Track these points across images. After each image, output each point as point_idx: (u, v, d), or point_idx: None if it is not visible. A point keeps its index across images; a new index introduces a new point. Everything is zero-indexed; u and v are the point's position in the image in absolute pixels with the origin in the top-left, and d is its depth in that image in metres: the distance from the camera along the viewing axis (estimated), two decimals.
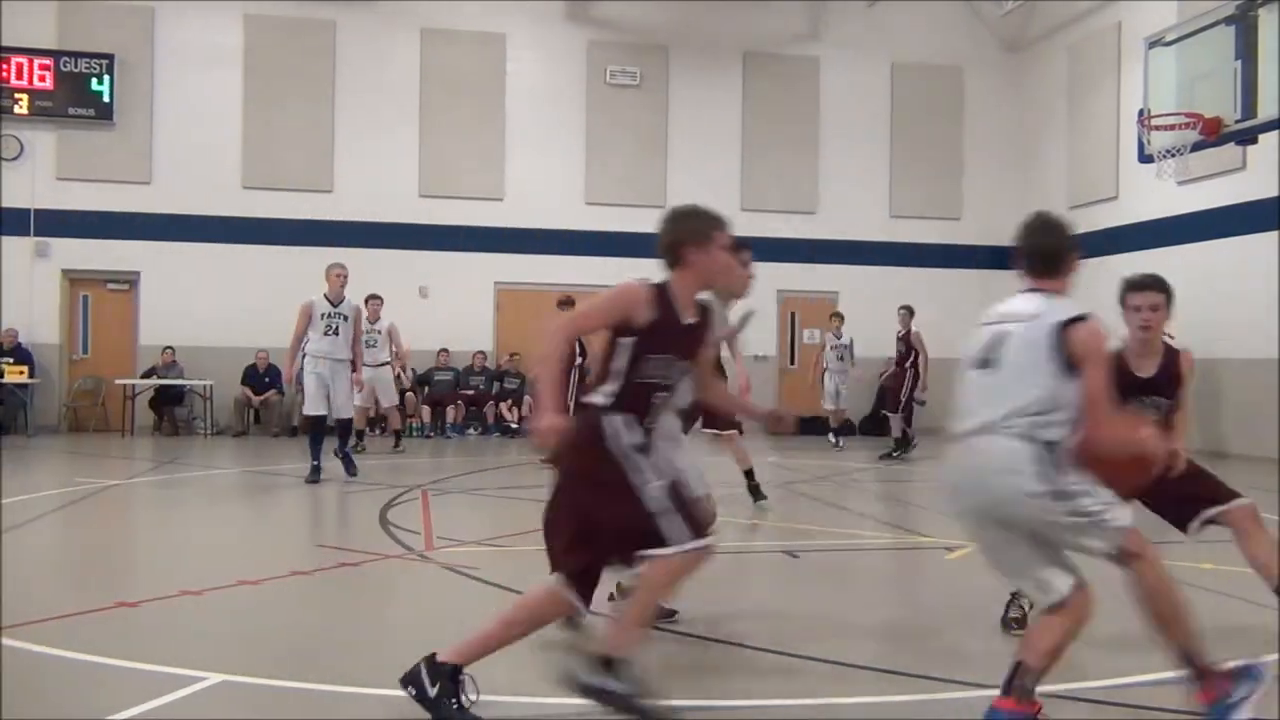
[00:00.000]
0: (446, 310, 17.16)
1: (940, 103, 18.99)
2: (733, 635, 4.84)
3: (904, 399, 13.96)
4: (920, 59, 18.87)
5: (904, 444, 13.92)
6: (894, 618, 5.61)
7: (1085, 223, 17.17)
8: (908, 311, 14.37)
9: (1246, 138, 9.83)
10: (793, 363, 18.59)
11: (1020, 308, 3.77)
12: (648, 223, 18.15)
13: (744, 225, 19.96)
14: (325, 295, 10.16)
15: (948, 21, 18.91)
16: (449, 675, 3.66)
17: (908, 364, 13.99)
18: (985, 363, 3.66)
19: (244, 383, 16.06)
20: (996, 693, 3.58)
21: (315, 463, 10.07)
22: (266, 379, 16.02)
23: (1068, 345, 3.51)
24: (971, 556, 6.91)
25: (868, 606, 5.92)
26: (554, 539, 3.81)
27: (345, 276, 10.27)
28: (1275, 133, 9.51)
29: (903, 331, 14.23)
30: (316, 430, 10.16)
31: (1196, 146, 9.90)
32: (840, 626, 5.32)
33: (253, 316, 16.12)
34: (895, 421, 14.18)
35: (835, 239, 18.44)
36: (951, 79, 19.03)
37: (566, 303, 11.91)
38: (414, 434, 16.18)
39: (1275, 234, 13.31)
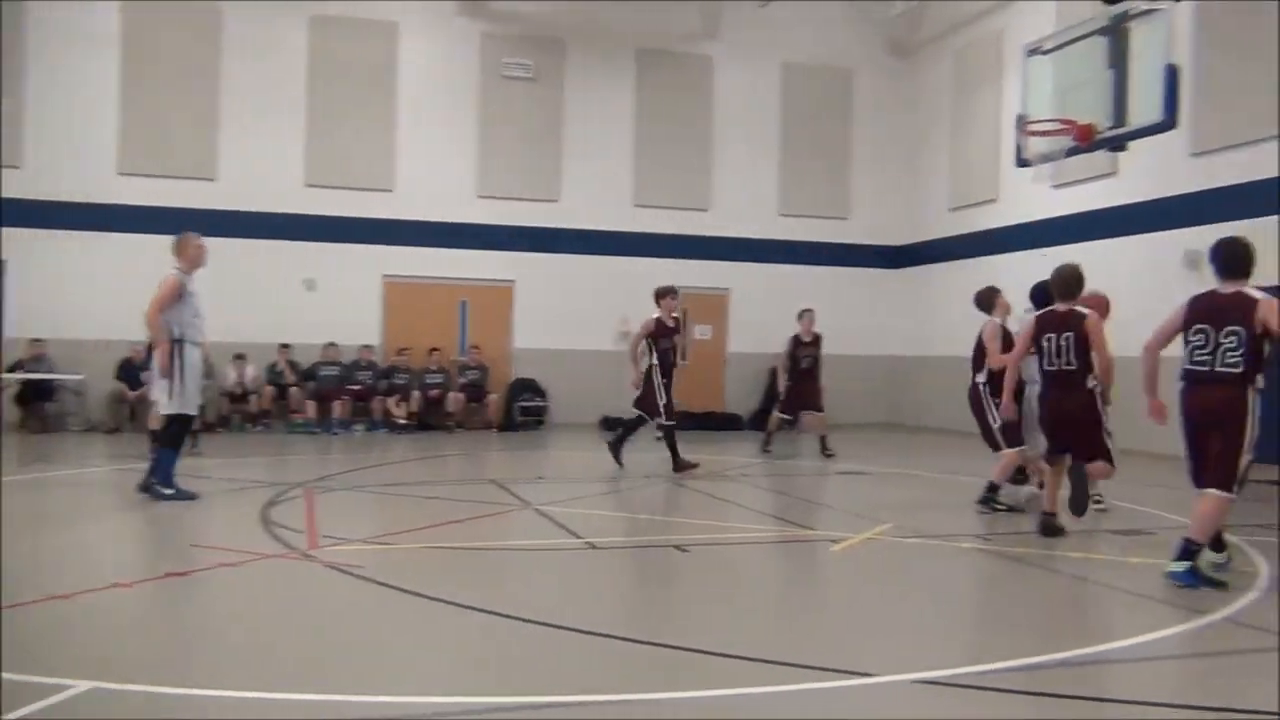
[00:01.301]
0: (333, 303, 16.79)
1: (830, 103, 19.34)
2: (621, 630, 4.84)
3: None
4: (811, 60, 19.19)
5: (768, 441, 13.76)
6: (780, 609, 5.69)
7: (967, 224, 17.75)
8: (813, 314, 13.74)
9: (1117, 144, 10.23)
10: (684, 359, 18.70)
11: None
12: (541, 217, 18.26)
13: (636, 221, 20.14)
14: (180, 270, 9.01)
15: (838, 24, 19.27)
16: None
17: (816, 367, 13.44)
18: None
19: (119, 377, 15.44)
20: (876, 680, 3.64)
21: (169, 468, 8.58)
22: (143, 373, 15.43)
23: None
24: (855, 548, 7.08)
25: (755, 599, 5.99)
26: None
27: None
28: (1145, 140, 9.92)
29: (810, 337, 13.49)
30: (184, 435, 8.82)
31: (1071, 152, 10.25)
32: (728, 619, 5.37)
33: (129, 309, 15.37)
34: (818, 420, 13.55)
35: (727, 236, 18.64)
36: (841, 80, 19.40)
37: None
38: (298, 430, 15.80)
39: (1144, 237, 13.92)
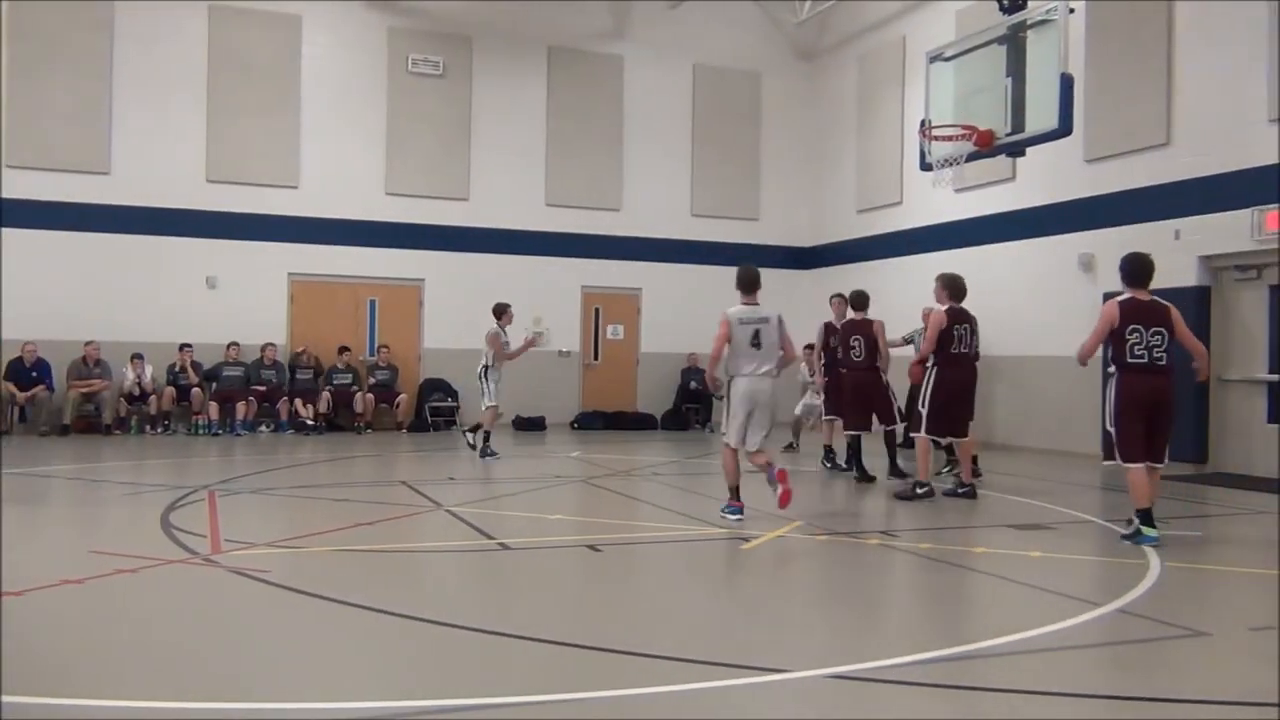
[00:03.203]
0: (237, 302, 16.38)
1: (740, 106, 19.54)
2: (536, 630, 4.82)
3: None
4: (721, 62, 19.35)
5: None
6: (694, 608, 5.72)
7: (873, 226, 18.09)
8: (842, 299, 11.73)
9: (1015, 150, 10.54)
10: (596, 358, 18.74)
11: (764, 312, 8.24)
12: (451, 215, 18.13)
13: (548, 220, 20.04)
14: None
15: (747, 27, 19.47)
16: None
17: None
18: (758, 341, 8.11)
19: (8, 378, 14.83)
20: (791, 676, 3.68)
21: None
22: (34, 373, 14.85)
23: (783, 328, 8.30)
24: (764, 546, 7.17)
25: (669, 598, 6.02)
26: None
27: None
28: (1041, 146, 10.24)
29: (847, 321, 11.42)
30: None
31: (971, 157, 10.54)
32: (642, 618, 5.39)
33: (19, 307, 14.94)
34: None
35: (639, 236, 18.69)
36: (750, 83, 19.60)
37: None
38: (200, 432, 15.37)
39: (1041, 240, 14.36)
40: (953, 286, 9.66)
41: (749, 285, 8.42)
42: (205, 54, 16.36)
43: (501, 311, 13.00)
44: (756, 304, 8.35)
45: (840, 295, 11.91)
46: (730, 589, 6.22)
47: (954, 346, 9.39)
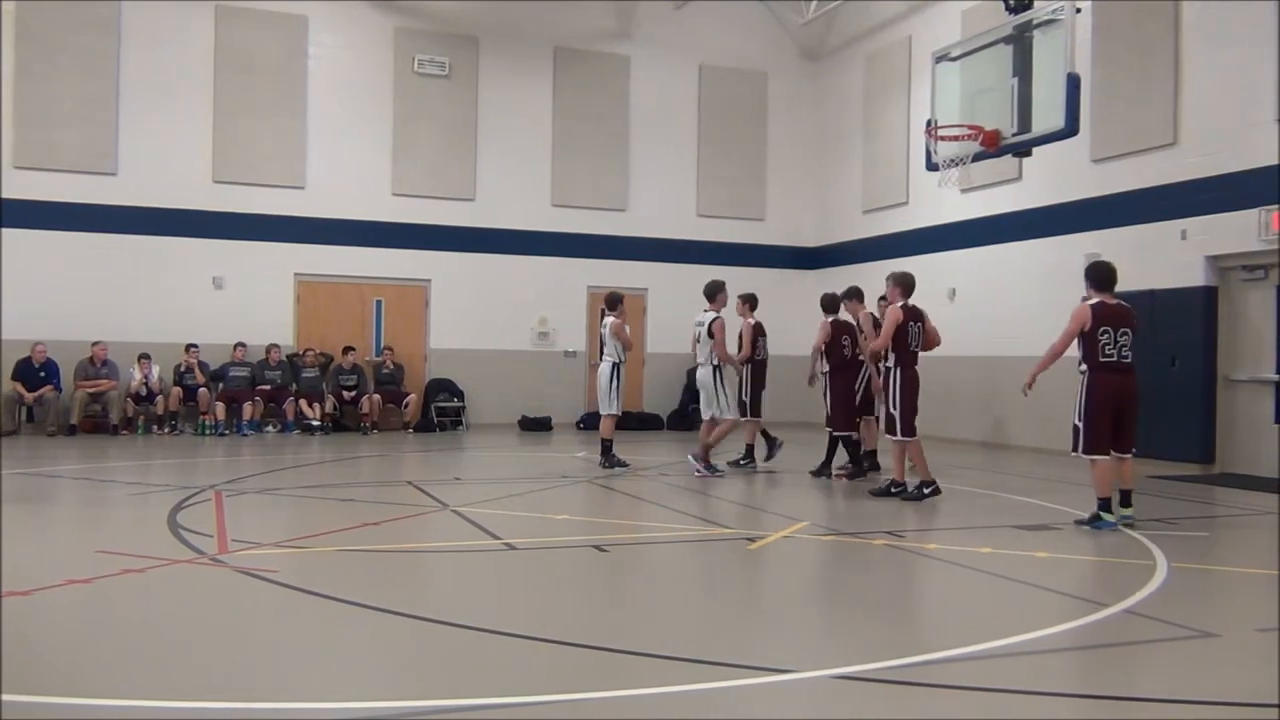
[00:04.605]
0: (243, 302, 16.41)
1: (745, 106, 19.53)
2: (542, 631, 4.82)
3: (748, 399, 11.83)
4: (727, 62, 19.35)
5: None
6: (699, 608, 5.72)
7: (878, 226, 18.08)
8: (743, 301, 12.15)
9: (1022, 150, 10.53)
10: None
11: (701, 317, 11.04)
12: (457, 216, 18.17)
13: (554, 221, 20.05)
14: None
15: (753, 27, 19.47)
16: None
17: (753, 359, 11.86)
18: (700, 338, 11.01)
19: (15, 378, 14.87)
20: (796, 677, 3.68)
21: None
22: (42, 374, 14.89)
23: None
24: (770, 546, 7.17)
25: (674, 598, 6.02)
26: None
27: None
28: (1047, 146, 10.22)
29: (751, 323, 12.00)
30: None
31: (977, 157, 10.53)
32: (648, 618, 5.39)
33: (26, 308, 14.99)
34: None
35: (644, 236, 18.69)
36: (756, 83, 19.60)
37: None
38: (207, 432, 15.39)
39: (1048, 240, 14.34)
40: (904, 284, 9.63)
41: (709, 295, 11.21)
42: (211, 54, 16.39)
43: (617, 302, 11.89)
44: (711, 311, 11.10)
45: (744, 296, 12.15)
46: (736, 589, 6.22)
47: (910, 344, 9.46)
